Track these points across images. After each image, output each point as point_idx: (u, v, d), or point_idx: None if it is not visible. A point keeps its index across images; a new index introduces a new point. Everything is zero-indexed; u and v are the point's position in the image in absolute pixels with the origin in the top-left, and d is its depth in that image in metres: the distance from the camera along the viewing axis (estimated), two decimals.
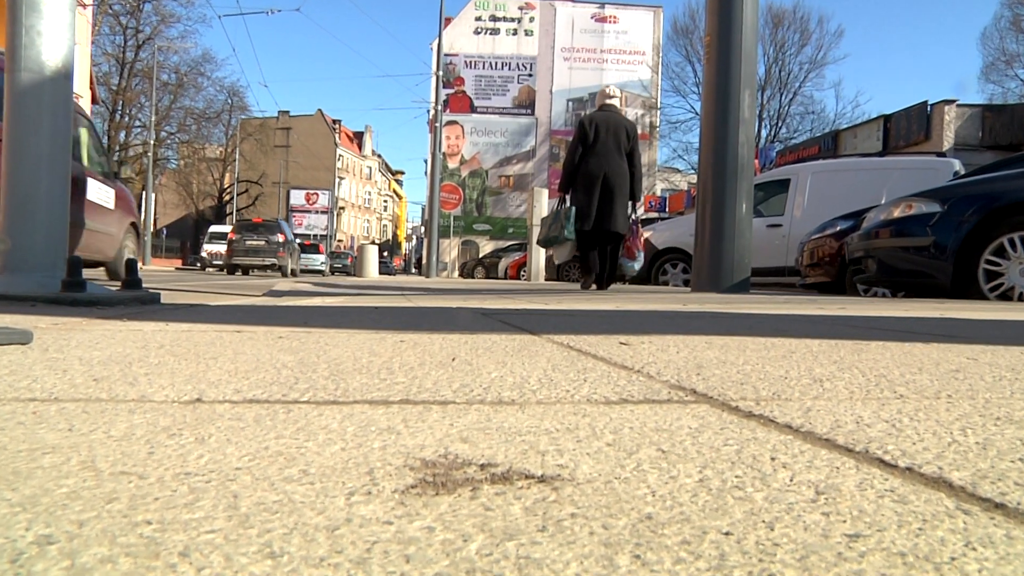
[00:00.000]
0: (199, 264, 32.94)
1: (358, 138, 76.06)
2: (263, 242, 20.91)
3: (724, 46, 6.18)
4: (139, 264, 8.63)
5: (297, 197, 63.97)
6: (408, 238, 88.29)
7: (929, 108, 21.56)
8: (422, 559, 0.51)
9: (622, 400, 1.13)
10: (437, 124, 21.51)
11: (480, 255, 31.88)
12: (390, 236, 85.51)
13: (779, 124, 35.01)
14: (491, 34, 38.96)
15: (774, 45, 34.54)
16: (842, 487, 0.69)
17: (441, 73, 22.11)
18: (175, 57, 39.35)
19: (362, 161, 75.70)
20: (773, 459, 0.79)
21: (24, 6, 3.20)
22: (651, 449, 0.83)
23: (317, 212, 64.53)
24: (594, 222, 6.40)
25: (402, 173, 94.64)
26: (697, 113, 29.88)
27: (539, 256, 12.31)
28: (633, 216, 6.63)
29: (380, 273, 19.93)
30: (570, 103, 38.36)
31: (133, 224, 8.68)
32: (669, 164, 39.52)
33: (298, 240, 27.86)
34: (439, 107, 22.02)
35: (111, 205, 7.75)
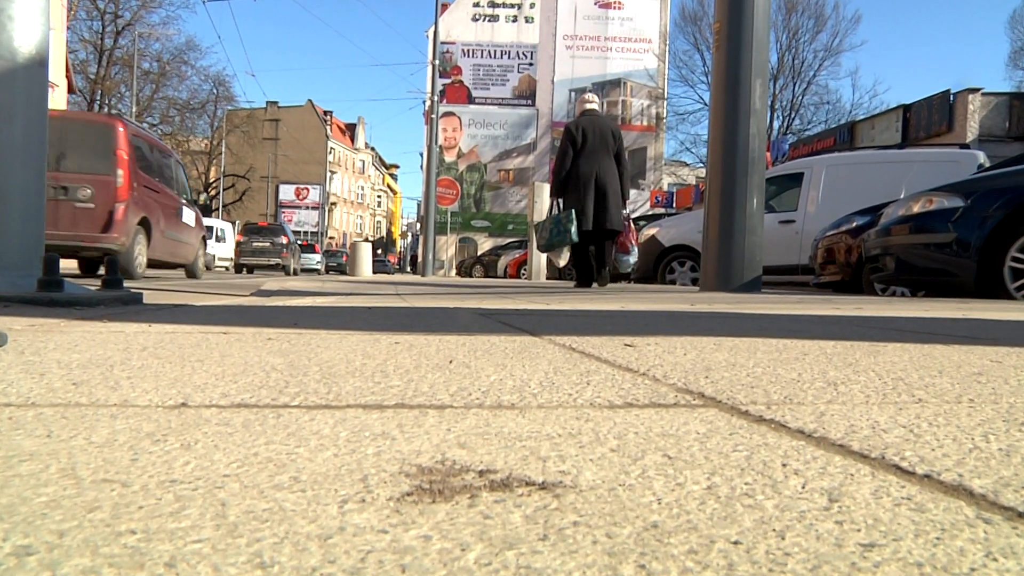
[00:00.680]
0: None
1: (350, 130, 76.08)
2: (268, 244, 23.88)
3: (734, 33, 6.18)
4: (203, 268, 12.05)
5: (286, 192, 64.03)
6: (403, 235, 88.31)
7: (952, 97, 21.48)
8: (419, 569, 0.52)
9: (627, 404, 1.13)
10: (433, 116, 21.51)
11: (478, 253, 31.89)
12: (384, 233, 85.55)
13: (792, 115, 34.99)
14: (490, 21, 38.95)
15: (787, 32, 34.51)
16: (856, 495, 0.69)
17: (437, 62, 22.10)
18: (157, 44, 39.26)
19: (355, 154, 75.72)
20: (784, 465, 0.79)
21: None
22: (657, 455, 0.83)
23: (307, 208, 64.59)
24: (592, 222, 6.91)
25: (396, 167, 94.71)
26: (706, 104, 29.93)
27: (540, 254, 12.31)
28: (624, 212, 7.17)
29: (377, 272, 20.36)
30: (573, 93, 38.30)
31: (203, 237, 12.05)
32: (676, 157, 39.56)
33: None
34: (435, 98, 22.01)
35: (192, 224, 11.08)
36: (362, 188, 78.30)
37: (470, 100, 38.88)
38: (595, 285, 7.15)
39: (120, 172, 8.32)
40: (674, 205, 30.99)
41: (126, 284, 3.56)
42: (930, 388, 1.31)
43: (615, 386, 1.29)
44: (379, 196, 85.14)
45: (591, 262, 7.12)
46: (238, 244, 25.09)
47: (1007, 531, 0.61)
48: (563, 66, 38.74)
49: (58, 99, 27.44)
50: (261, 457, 0.80)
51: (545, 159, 38.30)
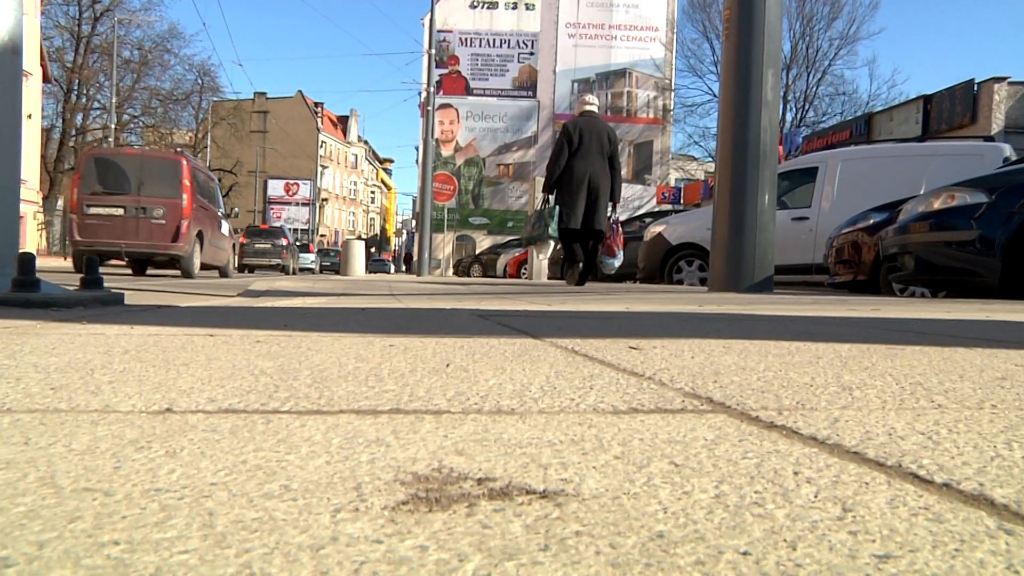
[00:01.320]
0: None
1: (342, 123, 76.12)
2: (269, 245, 26.63)
3: (746, 20, 6.19)
4: (234, 270, 15.94)
5: (275, 188, 64.05)
6: (398, 232, 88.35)
7: (976, 87, 21.41)
8: None
9: (632, 409, 1.14)
10: (429, 108, 21.53)
11: (477, 251, 31.93)
12: (378, 230, 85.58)
13: (806, 106, 35.00)
14: (488, 8, 38.95)
15: (801, 19, 34.51)
16: (871, 504, 0.70)
17: (434, 51, 22.14)
18: (138, 32, 39.25)
19: (347, 148, 75.75)
20: (796, 473, 0.80)
21: None
22: (663, 462, 0.84)
23: (297, 204, 64.61)
24: (581, 221, 7.54)
25: (391, 161, 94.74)
26: (715, 95, 29.91)
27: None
28: (613, 216, 7.89)
29: (377, 271, 20.89)
30: (575, 84, 38.35)
31: (234, 245, 15.99)
32: (684, 151, 39.58)
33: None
34: (431, 89, 22.03)
35: (227, 234, 14.64)
36: (355, 183, 78.34)
37: (468, 91, 38.88)
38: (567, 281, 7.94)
39: (185, 196, 11.77)
40: (681, 201, 31.02)
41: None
42: (950, 393, 1.31)
43: (619, 391, 1.29)
44: (372, 192, 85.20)
45: (579, 257, 7.84)
46: (241, 246, 27.33)
47: None
48: (565, 56, 38.74)
49: (32, 88, 27.48)
50: (250, 464, 0.81)
51: (546, 153, 38.07)
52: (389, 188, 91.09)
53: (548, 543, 0.59)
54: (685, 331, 2.45)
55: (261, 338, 2.03)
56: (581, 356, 1.74)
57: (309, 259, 36.19)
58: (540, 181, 12.24)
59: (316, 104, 69.58)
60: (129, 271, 13.47)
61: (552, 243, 7.99)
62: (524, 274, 16.38)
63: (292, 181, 64.43)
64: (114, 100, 32.70)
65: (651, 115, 39.09)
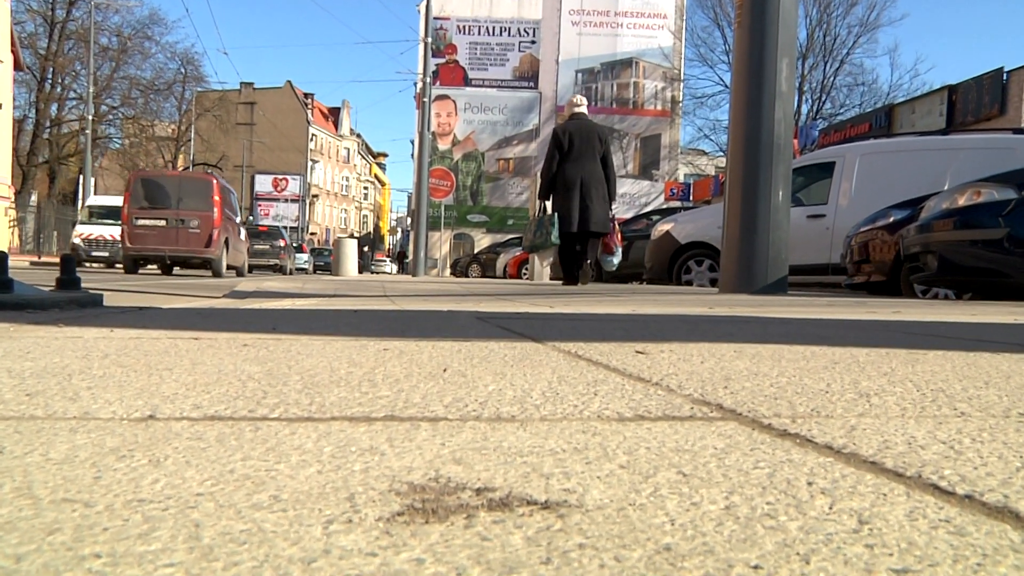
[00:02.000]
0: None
1: (334, 115, 76.12)
2: (268, 246, 28.30)
3: (759, 7, 6.19)
4: (247, 271, 19.44)
5: (263, 183, 64.00)
6: (392, 230, 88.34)
7: (1005, 76, 21.23)
8: None
9: (638, 417, 1.14)
10: (425, 99, 21.54)
11: (475, 250, 31.91)
12: (371, 228, 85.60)
13: (823, 98, 34.94)
14: None
15: (818, 5, 34.42)
16: (889, 516, 0.70)
17: (430, 40, 22.15)
18: (116, 17, 39.04)
19: (339, 141, 75.77)
20: (810, 484, 0.80)
21: None
22: (670, 472, 0.84)
23: (286, 200, 64.56)
24: (577, 224, 7.89)
25: (385, 156, 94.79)
26: (727, 86, 29.90)
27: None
28: (610, 214, 8.22)
29: (373, 271, 21.27)
30: (579, 75, 38.37)
31: (248, 248, 19.54)
32: (694, 145, 39.54)
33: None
34: (427, 79, 22.04)
35: (243, 239, 18.46)
36: (347, 179, 78.33)
37: (466, 82, 38.87)
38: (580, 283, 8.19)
39: (216, 210, 15.14)
40: (691, 198, 30.98)
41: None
42: (974, 400, 1.31)
43: (625, 397, 1.30)
44: (365, 188, 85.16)
45: (576, 261, 8.20)
46: None
47: None
48: (569, 44, 38.71)
49: (2, 76, 27.42)
50: (238, 474, 0.81)
51: None
52: (383, 184, 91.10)
53: (550, 556, 0.59)
54: (694, 335, 2.46)
55: (248, 341, 2.04)
56: (585, 361, 1.74)
57: (303, 259, 37.53)
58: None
59: (306, 95, 69.57)
60: (159, 270, 16.87)
61: (555, 250, 8.42)
62: (525, 274, 16.39)
63: (281, 176, 64.36)
64: (91, 90, 32.60)
65: (659, 107, 39.07)
